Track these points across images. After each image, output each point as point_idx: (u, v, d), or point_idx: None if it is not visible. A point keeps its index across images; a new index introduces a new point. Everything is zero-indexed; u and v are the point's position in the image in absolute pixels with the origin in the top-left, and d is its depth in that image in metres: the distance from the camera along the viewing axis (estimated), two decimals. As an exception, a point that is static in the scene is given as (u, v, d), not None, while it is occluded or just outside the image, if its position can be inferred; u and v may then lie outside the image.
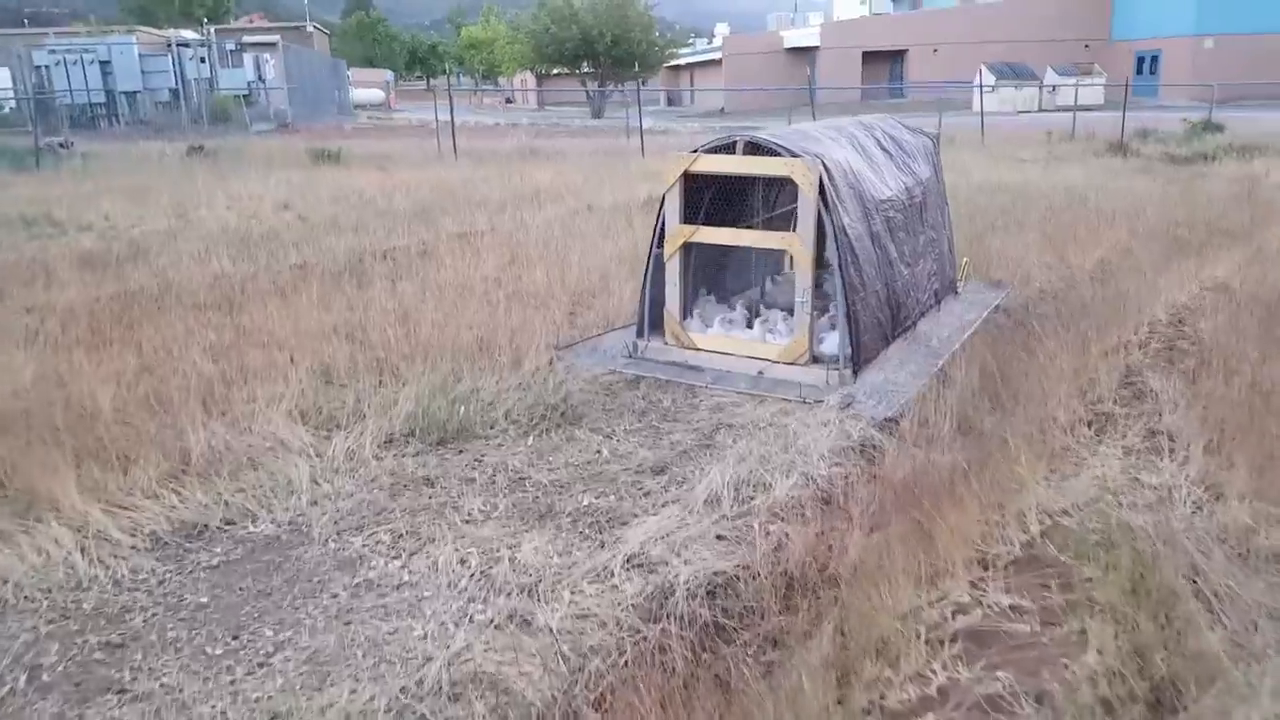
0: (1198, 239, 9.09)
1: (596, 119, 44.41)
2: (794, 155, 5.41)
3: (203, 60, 36.40)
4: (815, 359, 5.64)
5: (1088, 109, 31.15)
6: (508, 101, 70.60)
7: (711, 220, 6.05)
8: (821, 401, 5.21)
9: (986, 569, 3.08)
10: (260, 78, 39.91)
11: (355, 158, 19.64)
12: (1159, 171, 14.04)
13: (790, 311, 6.01)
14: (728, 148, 5.69)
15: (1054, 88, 43.18)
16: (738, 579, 3.44)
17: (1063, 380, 5.28)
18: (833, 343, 5.60)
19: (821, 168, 5.30)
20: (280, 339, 6.40)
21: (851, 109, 23.51)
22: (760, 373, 5.70)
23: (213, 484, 4.20)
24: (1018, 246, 8.90)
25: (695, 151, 5.72)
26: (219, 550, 3.73)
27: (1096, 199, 11.22)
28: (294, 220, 11.52)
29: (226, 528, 3.90)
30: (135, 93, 35.25)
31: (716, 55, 59.54)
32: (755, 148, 5.63)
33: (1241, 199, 10.91)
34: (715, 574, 3.44)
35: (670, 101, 63.58)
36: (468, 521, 3.91)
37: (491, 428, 4.93)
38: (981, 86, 35.92)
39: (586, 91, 49.24)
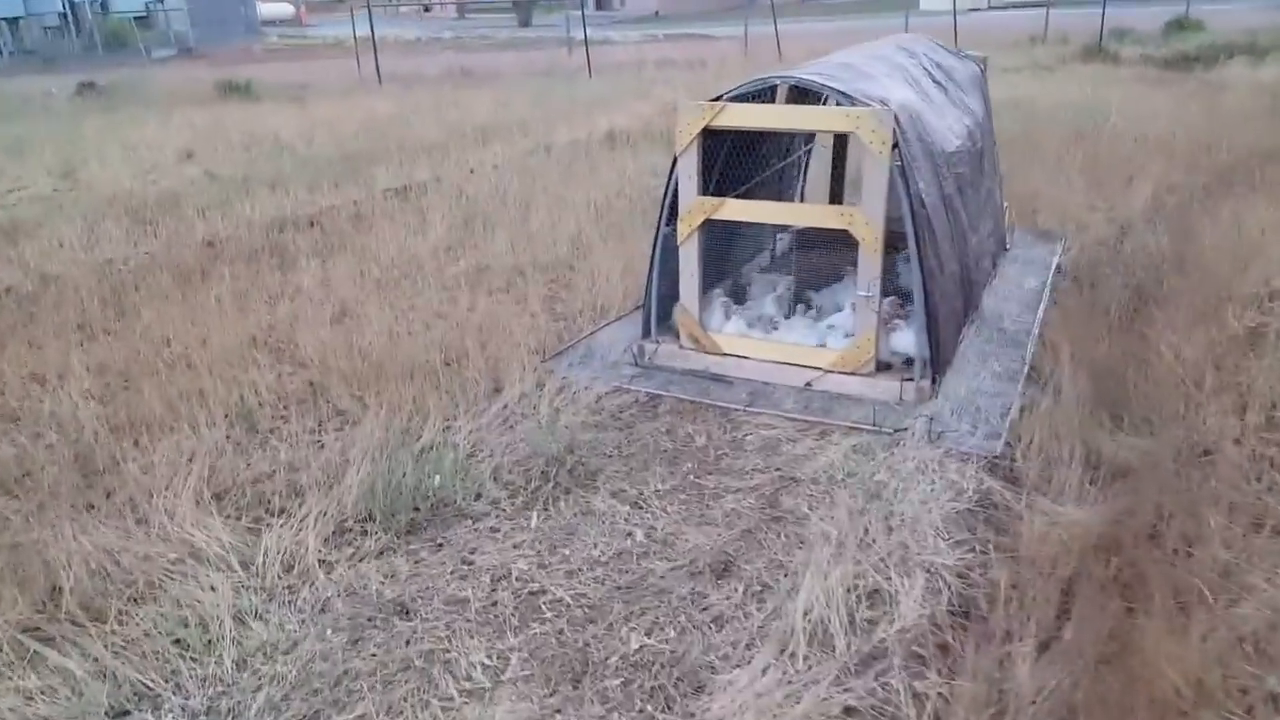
0: (1250, 166, 7.99)
1: (525, 28, 41.74)
2: (854, 102, 4.08)
3: (91, -21, 32.88)
4: (880, 365, 4.42)
5: (1038, 4, 29.78)
6: (425, 10, 66.36)
7: (723, 187, 4.72)
8: (904, 429, 4.02)
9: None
10: (157, -4, 36.37)
11: (267, 89, 17.49)
12: (1162, 80, 12.95)
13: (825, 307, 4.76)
14: (762, 94, 4.33)
15: (1000, -18, 41.67)
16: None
17: (1203, 379, 4.17)
18: (904, 341, 4.38)
19: (894, 120, 3.98)
20: (186, 356, 4.96)
21: (785, 9, 21.78)
22: (809, 384, 4.47)
23: (90, 641, 2.87)
24: (1054, 184, 7.71)
25: (719, 100, 4.34)
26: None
27: (1114, 119, 10.05)
28: (200, 177, 9.77)
29: (108, 729, 2.60)
30: (17, 19, 31.73)
31: (648, -44, 56.43)
32: (800, 93, 4.27)
33: (1275, 113, 9.86)
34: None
35: (599, 5, 60.27)
36: (468, 692, 2.66)
37: (478, 497, 3.65)
38: (930, -16, 34.26)
39: None
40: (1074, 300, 5.60)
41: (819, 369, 4.47)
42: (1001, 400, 4.35)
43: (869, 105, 4.04)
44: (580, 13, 21.65)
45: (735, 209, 4.46)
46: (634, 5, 54.02)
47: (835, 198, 6.48)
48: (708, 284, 4.78)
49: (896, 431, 4.03)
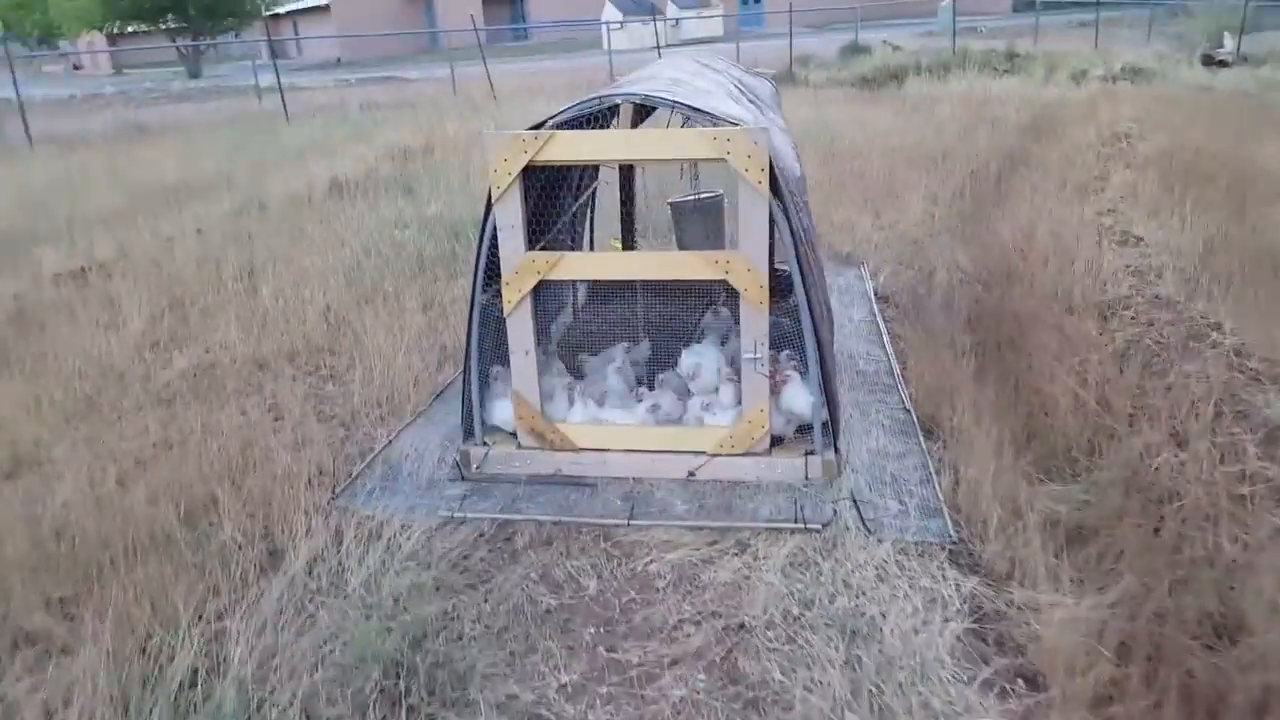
0: (994, 171, 8.23)
1: (196, 79, 37.84)
2: (716, 121, 3.23)
3: None
4: (773, 439, 3.60)
5: (711, 41, 31.49)
6: (76, 68, 58.69)
7: (533, 230, 3.71)
8: (831, 521, 3.21)
9: None
10: None
11: None
12: (874, 99, 13.59)
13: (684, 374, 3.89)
14: (599, 117, 3.37)
15: (677, 21, 43.94)
16: None
17: (1107, 406, 3.76)
18: (797, 401, 3.58)
19: (768, 140, 3.18)
20: None
21: (472, 53, 21.05)
22: (692, 474, 3.56)
23: None
24: (826, 203, 7.42)
25: (541, 127, 3.32)
26: None
27: (848, 136, 10.18)
28: None
29: None
30: None
31: (323, 1, 53.66)
32: (641, 115, 3.37)
33: (985, 123, 10.46)
34: None
35: (274, 54, 56.29)
36: None
37: (288, 754, 2.34)
38: (609, 24, 35.15)
39: (178, 48, 41.76)
40: (912, 332, 5.17)
41: (701, 453, 3.57)
42: (911, 462, 3.69)
43: (735, 125, 3.22)
44: (269, 60, 19.55)
45: (576, 266, 3.45)
46: (311, 53, 51.00)
47: (627, 242, 5.68)
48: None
49: (825, 527, 3.21)
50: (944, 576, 2.92)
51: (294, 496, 3.47)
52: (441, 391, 4.54)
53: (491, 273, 3.54)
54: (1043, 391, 4.06)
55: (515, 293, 3.46)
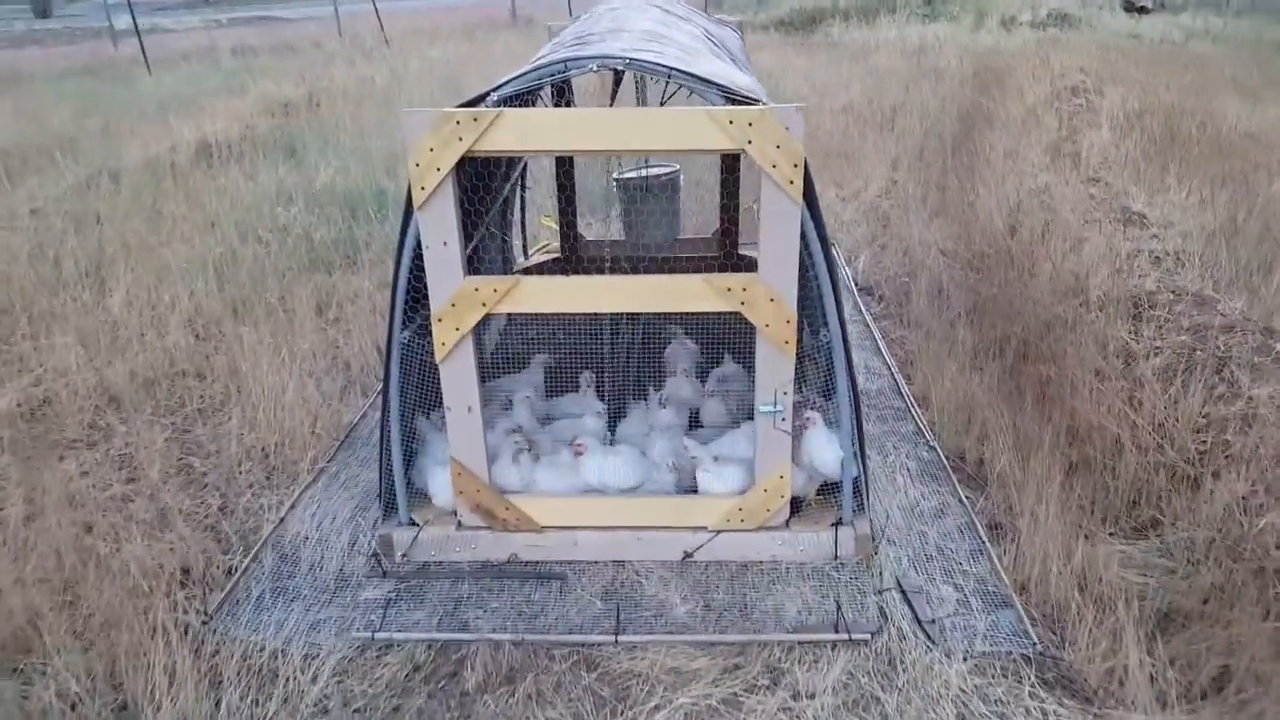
0: (949, 130, 7.57)
1: (45, 18, 34.21)
2: (731, 97, 2.36)
3: None
4: (793, 504, 2.81)
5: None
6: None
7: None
8: (878, 630, 2.46)
9: None
10: None
11: None
12: (805, 46, 12.72)
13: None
14: (559, 90, 2.45)
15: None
16: None
17: (1178, 444, 3.11)
18: (825, 458, 2.78)
19: (803, 124, 2.32)
20: None
21: None
22: (689, 556, 2.75)
23: None
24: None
25: (479, 102, 2.38)
26: None
27: (789, 90, 9.35)
28: None
29: None
30: None
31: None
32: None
33: (928, 74, 9.77)
34: None
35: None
36: None
37: None
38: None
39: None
40: (909, 333, 4.45)
41: (700, 528, 2.76)
42: (953, 522, 2.97)
43: (756, 103, 2.35)
44: (120, -5, 17.44)
45: (536, 295, 2.54)
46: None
47: (566, 222, 4.78)
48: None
49: (875, 636, 2.46)
50: (1038, 707, 2.20)
51: (149, 611, 2.52)
52: (348, 434, 3.59)
53: (416, 298, 2.61)
54: (1086, 418, 3.39)
55: (450, 332, 2.53)
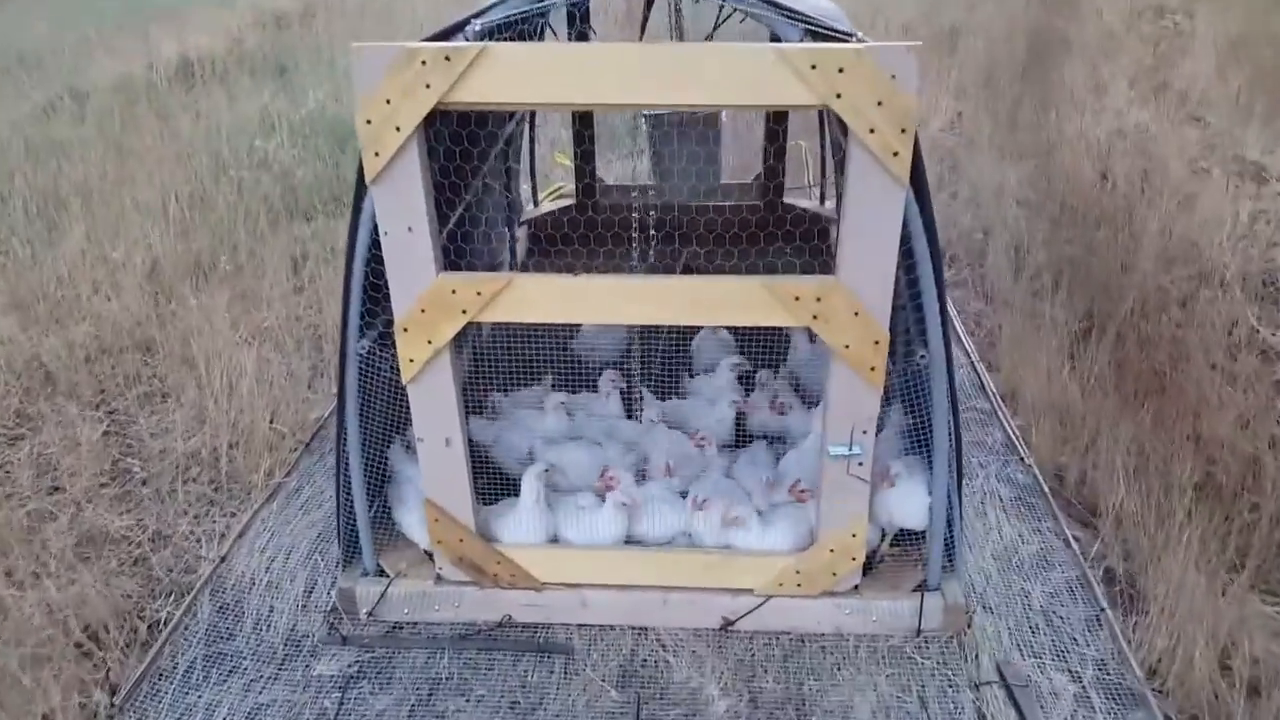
0: (1018, 53, 6.70)
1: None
2: (816, 30, 1.66)
3: None
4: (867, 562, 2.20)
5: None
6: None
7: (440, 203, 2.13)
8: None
9: None
10: None
11: None
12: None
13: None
14: (571, 17, 1.76)
15: None
16: None
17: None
18: (910, 510, 2.15)
19: (915, 71, 1.63)
20: None
21: None
22: (728, 626, 2.16)
23: None
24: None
25: (455, 34, 1.70)
26: None
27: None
28: None
29: None
30: None
31: None
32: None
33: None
34: None
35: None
36: None
37: None
38: None
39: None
40: (987, 307, 3.77)
41: (745, 591, 2.15)
42: (1061, 575, 2.37)
43: (848, 39, 1.65)
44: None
45: (532, 297, 1.88)
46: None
47: (583, 160, 4.09)
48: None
49: (979, 756, 1.87)
50: None
51: (45, 697, 1.96)
52: (315, 433, 2.99)
53: (379, 295, 1.97)
54: (1213, 431, 2.74)
55: (420, 346, 1.89)
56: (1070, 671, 2.09)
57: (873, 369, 1.85)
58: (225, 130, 5.64)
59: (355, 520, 2.19)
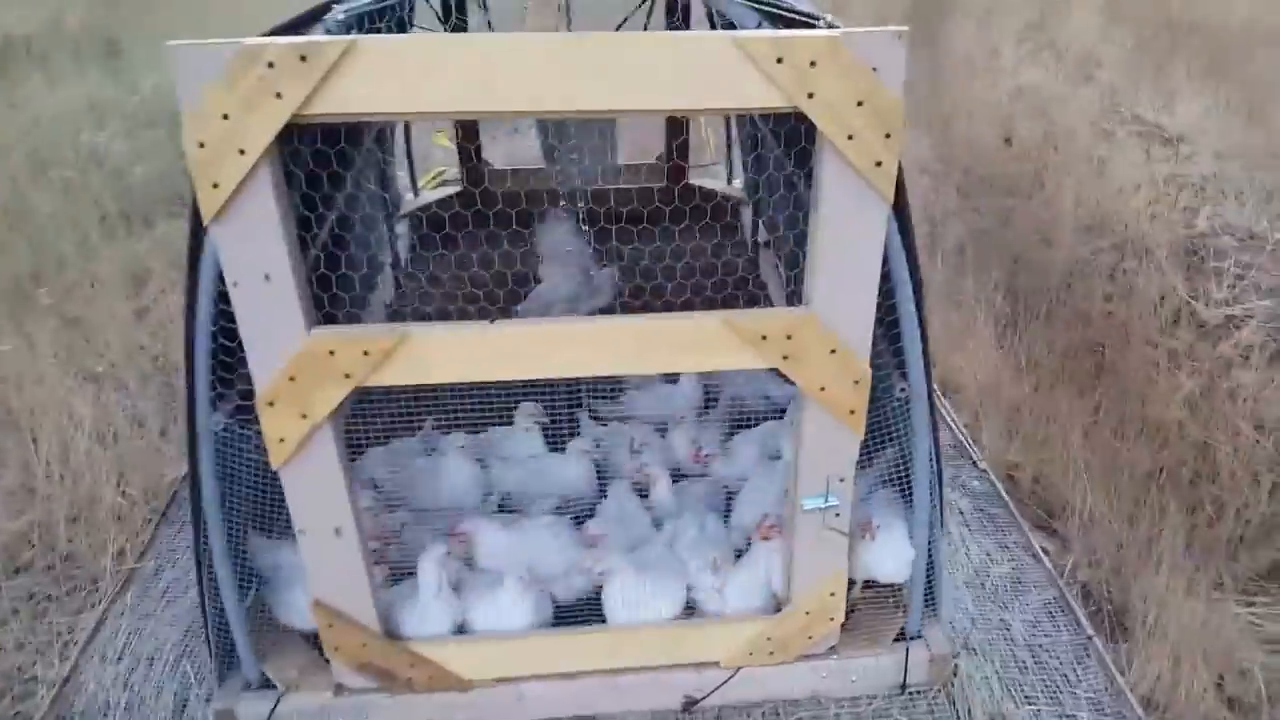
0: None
1: None
2: (781, 14, 1.33)
3: None
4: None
5: None
6: None
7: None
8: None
9: None
10: None
11: None
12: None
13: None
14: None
15: None
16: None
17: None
18: (893, 564, 1.89)
19: (902, 62, 1.32)
20: None
21: None
22: (691, 705, 1.86)
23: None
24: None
25: (312, 24, 1.29)
26: None
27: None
28: None
29: None
30: None
31: None
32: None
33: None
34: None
35: None
36: None
37: None
38: None
39: None
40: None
41: (710, 664, 1.86)
42: (1037, 598, 2.19)
43: (816, 23, 1.33)
44: None
45: (449, 355, 1.49)
46: None
47: (467, 138, 3.70)
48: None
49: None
50: None
51: None
52: (173, 497, 2.51)
53: (232, 363, 1.56)
54: (1158, 415, 2.62)
55: (292, 422, 1.49)
56: (1066, 716, 1.89)
57: (852, 412, 1.56)
58: (45, 122, 4.91)
59: (227, 622, 1.78)
